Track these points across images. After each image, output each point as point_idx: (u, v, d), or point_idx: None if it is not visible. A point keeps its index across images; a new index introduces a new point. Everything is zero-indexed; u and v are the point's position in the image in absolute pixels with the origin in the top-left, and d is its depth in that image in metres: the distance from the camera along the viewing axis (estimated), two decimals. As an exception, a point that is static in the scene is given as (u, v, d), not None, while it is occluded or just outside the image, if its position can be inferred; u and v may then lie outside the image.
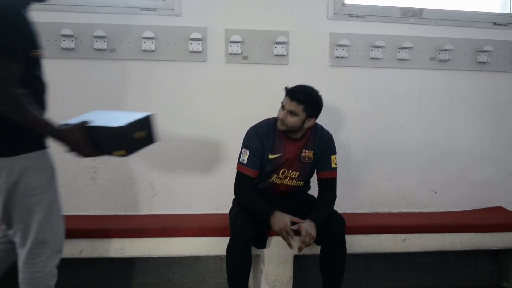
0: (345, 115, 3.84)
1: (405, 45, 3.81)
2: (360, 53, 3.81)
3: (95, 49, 3.44)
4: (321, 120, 3.60)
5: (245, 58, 3.70)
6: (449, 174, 3.98)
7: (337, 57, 3.78)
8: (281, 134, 3.04)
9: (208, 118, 3.70)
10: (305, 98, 2.90)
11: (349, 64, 3.82)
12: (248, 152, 3.01)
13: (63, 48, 3.47)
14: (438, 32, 3.92)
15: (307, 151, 3.07)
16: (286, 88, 2.93)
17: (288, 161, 3.05)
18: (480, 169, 4.02)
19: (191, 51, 3.62)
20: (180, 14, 3.62)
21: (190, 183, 3.71)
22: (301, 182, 3.13)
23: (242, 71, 3.64)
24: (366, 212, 3.87)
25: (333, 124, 3.75)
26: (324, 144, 3.10)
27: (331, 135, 3.17)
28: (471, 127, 4.00)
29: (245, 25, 3.70)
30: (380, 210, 3.90)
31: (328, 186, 3.13)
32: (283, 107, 2.93)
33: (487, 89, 4.01)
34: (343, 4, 3.82)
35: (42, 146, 2.24)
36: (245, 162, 3.01)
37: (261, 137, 3.03)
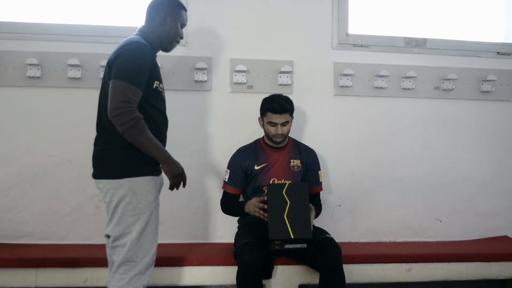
0: (350, 144, 3.84)
1: (409, 74, 3.83)
2: (364, 83, 3.83)
3: (101, 78, 3.38)
4: (326, 149, 3.65)
5: (250, 87, 3.73)
6: (454, 203, 3.96)
7: (342, 86, 3.80)
8: (264, 146, 3.32)
9: (214, 147, 3.73)
10: (289, 105, 3.18)
11: (353, 93, 3.84)
12: (229, 171, 3.28)
13: (70, 78, 3.54)
14: (442, 61, 3.94)
15: (294, 160, 3.31)
16: (266, 106, 3.17)
17: (276, 169, 3.26)
18: (486, 198, 4.00)
19: (196, 81, 3.66)
20: (185, 45, 3.64)
21: (195, 212, 3.72)
22: None
23: (247, 100, 3.65)
24: (371, 241, 3.84)
25: (338, 153, 3.81)
26: (311, 157, 3.37)
27: (315, 151, 3.43)
28: (476, 156, 4.00)
29: (250, 55, 3.74)
30: (386, 239, 3.87)
31: (317, 198, 3.37)
32: (271, 123, 3.17)
33: (491, 118, 4.02)
34: (347, 34, 3.85)
35: (146, 173, 2.46)
36: (226, 180, 3.29)
37: (243, 154, 3.30)
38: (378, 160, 3.89)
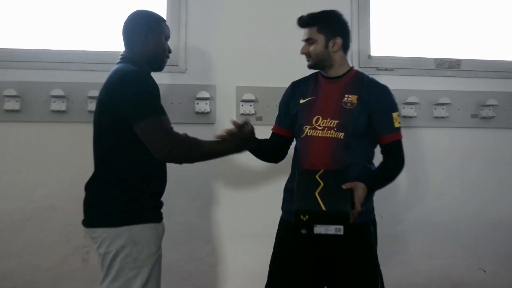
0: (376, 183, 3.51)
1: (442, 101, 3.62)
2: (390, 111, 3.54)
3: (89, 111, 3.24)
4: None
5: (259, 119, 3.48)
6: (500, 250, 3.70)
7: (365, 115, 3.48)
8: (319, 77, 2.69)
9: (219, 189, 3.54)
10: (312, 18, 2.60)
11: (378, 123, 3.53)
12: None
13: (53, 111, 3.35)
14: (480, 85, 3.73)
15: (350, 95, 2.56)
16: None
17: (323, 105, 2.57)
18: (536, 243, 3.74)
19: (197, 112, 3.44)
20: (185, 71, 3.48)
21: (197, 264, 3.45)
22: (341, 134, 2.52)
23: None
24: (404, 295, 3.59)
25: (363, 194, 3.47)
26: (377, 94, 2.55)
27: (388, 88, 2.60)
28: (523, 193, 3.76)
29: (258, 82, 3.53)
30: (420, 292, 3.61)
31: (393, 151, 2.59)
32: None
33: (539, 149, 3.80)
34: (369, 56, 3.64)
35: (147, 220, 2.32)
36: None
37: (294, 86, 2.81)
38: (409, 201, 3.65)
